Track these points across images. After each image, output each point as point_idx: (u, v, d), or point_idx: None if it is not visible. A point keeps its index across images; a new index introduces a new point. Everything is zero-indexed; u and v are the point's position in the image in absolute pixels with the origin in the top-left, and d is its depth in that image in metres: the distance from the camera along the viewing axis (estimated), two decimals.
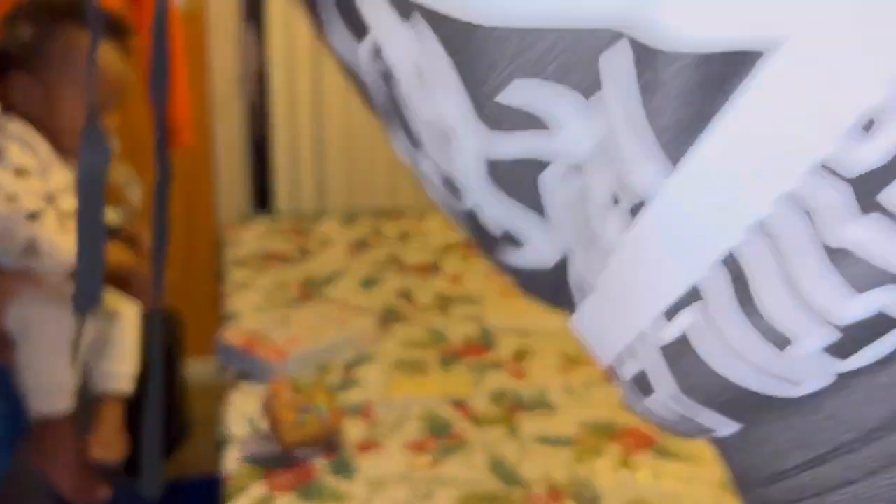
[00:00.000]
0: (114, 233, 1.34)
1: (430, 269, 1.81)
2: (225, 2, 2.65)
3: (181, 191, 2.78)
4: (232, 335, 1.34)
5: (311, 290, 1.65)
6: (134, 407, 1.29)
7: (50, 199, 1.22)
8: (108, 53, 1.23)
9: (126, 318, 1.28)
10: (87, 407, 1.25)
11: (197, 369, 2.79)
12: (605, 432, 1.15)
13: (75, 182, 0.46)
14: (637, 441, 1.13)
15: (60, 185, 1.24)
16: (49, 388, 1.16)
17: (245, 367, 1.29)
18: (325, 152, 2.77)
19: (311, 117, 2.73)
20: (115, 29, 1.26)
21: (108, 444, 1.24)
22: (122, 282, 1.27)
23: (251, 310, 1.53)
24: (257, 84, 2.79)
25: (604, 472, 1.04)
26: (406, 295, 1.64)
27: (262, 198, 2.91)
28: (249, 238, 1.98)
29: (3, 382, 1.22)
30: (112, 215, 1.34)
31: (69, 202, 1.23)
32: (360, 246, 1.95)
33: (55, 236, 1.16)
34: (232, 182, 2.82)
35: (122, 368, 1.27)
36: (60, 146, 1.26)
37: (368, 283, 1.70)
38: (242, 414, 1.17)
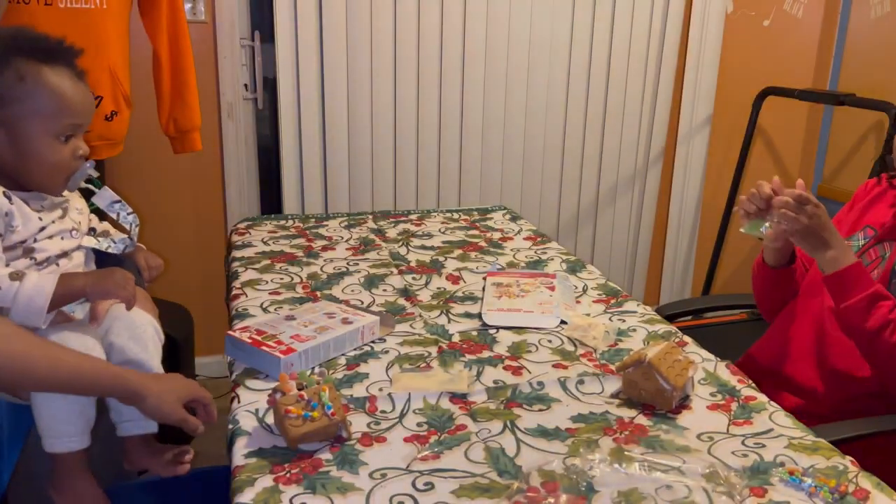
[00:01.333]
0: (118, 260, 1.33)
1: (431, 268, 1.84)
2: (234, 10, 2.67)
3: (192, 194, 2.82)
4: (240, 332, 1.36)
5: (316, 288, 1.68)
6: None
7: (27, 251, 1.18)
8: (61, 78, 1.18)
9: (153, 368, 1.25)
10: (111, 444, 1.25)
11: (207, 365, 2.83)
12: (599, 426, 1.18)
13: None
14: (629, 434, 1.16)
15: (32, 233, 1.19)
16: (63, 429, 1.14)
17: (252, 362, 1.32)
18: (330, 157, 2.79)
19: (318, 122, 2.75)
20: (60, 52, 1.20)
21: (169, 462, 1.25)
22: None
23: (259, 308, 1.57)
24: (265, 91, 2.81)
25: (597, 464, 1.05)
26: (408, 293, 1.68)
27: (269, 200, 2.94)
28: (257, 239, 2.01)
29: (13, 416, 1.24)
30: (117, 245, 1.32)
31: (47, 247, 1.21)
32: (364, 246, 1.98)
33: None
34: (241, 185, 2.85)
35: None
36: (34, 185, 1.21)
37: (371, 281, 1.74)
38: (250, 408, 1.20)
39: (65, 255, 1.24)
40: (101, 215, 1.37)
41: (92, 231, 1.33)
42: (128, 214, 1.31)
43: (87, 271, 1.27)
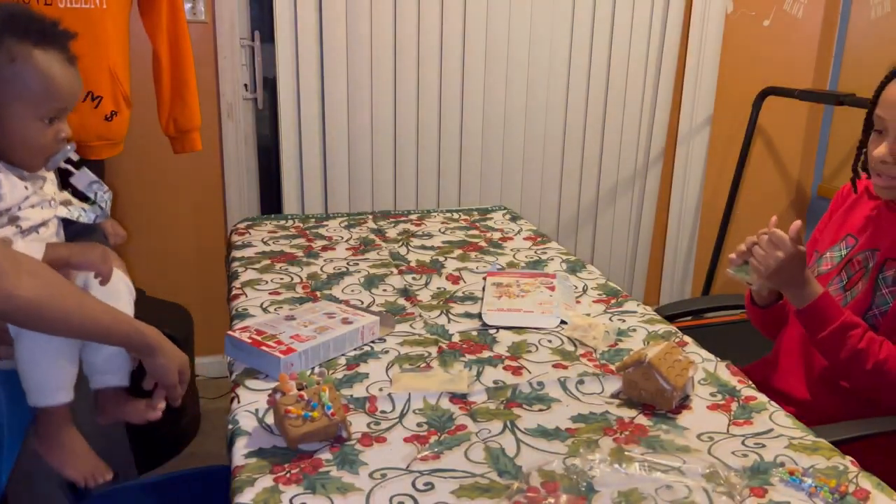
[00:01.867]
0: (90, 229, 1.36)
1: (431, 268, 1.84)
2: (234, 10, 2.67)
3: (192, 194, 2.82)
4: (240, 332, 1.36)
5: (316, 288, 1.68)
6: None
7: (12, 219, 1.20)
8: (51, 62, 1.19)
9: None
10: (90, 397, 1.28)
11: (207, 365, 2.83)
12: (599, 426, 1.18)
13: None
14: (629, 434, 1.16)
15: (18, 200, 1.21)
16: (47, 384, 1.16)
17: (252, 362, 1.32)
18: (330, 156, 2.79)
19: (318, 122, 2.75)
20: (54, 36, 1.21)
21: (142, 409, 1.27)
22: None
23: (259, 308, 1.57)
24: (265, 91, 2.81)
25: (597, 464, 1.05)
26: (408, 293, 1.68)
27: (269, 200, 2.94)
28: (257, 239, 2.01)
29: (13, 415, 1.24)
30: (88, 215, 1.34)
31: (31, 216, 1.22)
32: (364, 246, 1.98)
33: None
34: (241, 185, 2.85)
35: (118, 363, 1.26)
36: (14, 161, 1.22)
37: (371, 281, 1.74)
38: (250, 409, 1.20)
39: (43, 223, 1.26)
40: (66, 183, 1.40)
41: None
42: (104, 193, 1.35)
43: (71, 243, 1.30)
